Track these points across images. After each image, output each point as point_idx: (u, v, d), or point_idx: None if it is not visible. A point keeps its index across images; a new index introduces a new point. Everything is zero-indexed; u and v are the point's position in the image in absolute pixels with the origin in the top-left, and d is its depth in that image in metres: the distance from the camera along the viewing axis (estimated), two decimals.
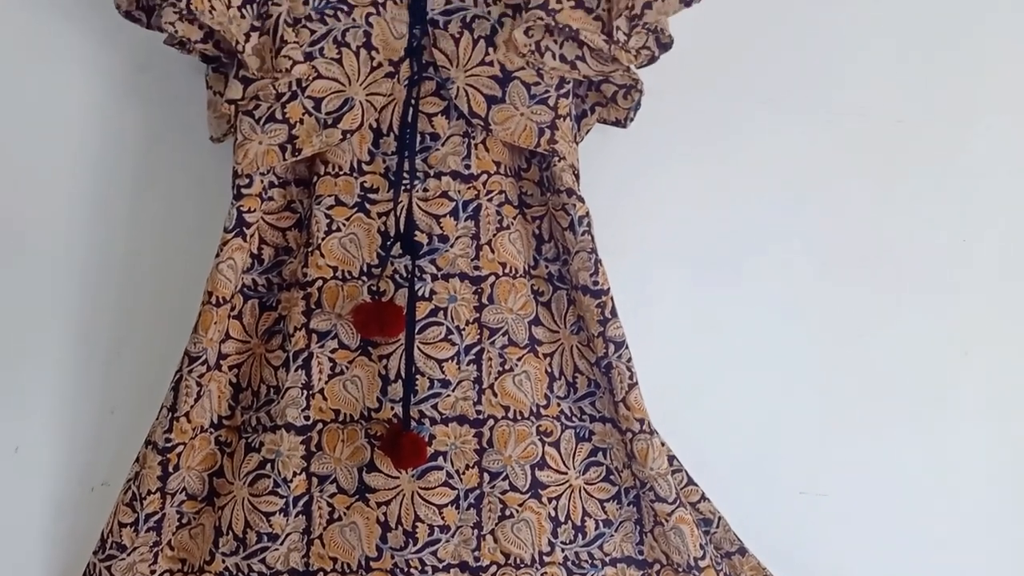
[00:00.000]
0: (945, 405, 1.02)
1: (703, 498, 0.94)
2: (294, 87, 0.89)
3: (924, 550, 1.01)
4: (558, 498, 0.90)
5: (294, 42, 0.89)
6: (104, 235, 0.98)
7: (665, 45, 0.92)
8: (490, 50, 0.90)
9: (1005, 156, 1.04)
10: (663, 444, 0.92)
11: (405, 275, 0.90)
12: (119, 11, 0.90)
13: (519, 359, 0.91)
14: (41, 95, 0.98)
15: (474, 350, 0.90)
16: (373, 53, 0.90)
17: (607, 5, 0.89)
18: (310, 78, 0.89)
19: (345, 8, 0.90)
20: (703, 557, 0.91)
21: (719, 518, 0.94)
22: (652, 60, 0.92)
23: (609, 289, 0.90)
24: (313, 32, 0.90)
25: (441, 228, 0.91)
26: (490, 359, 0.90)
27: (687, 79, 1.00)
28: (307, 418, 0.89)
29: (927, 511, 1.01)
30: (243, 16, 0.88)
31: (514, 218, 0.93)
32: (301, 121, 0.89)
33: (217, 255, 0.89)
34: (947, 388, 1.03)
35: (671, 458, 0.93)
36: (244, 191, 0.90)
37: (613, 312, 0.90)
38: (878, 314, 1.03)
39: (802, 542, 0.99)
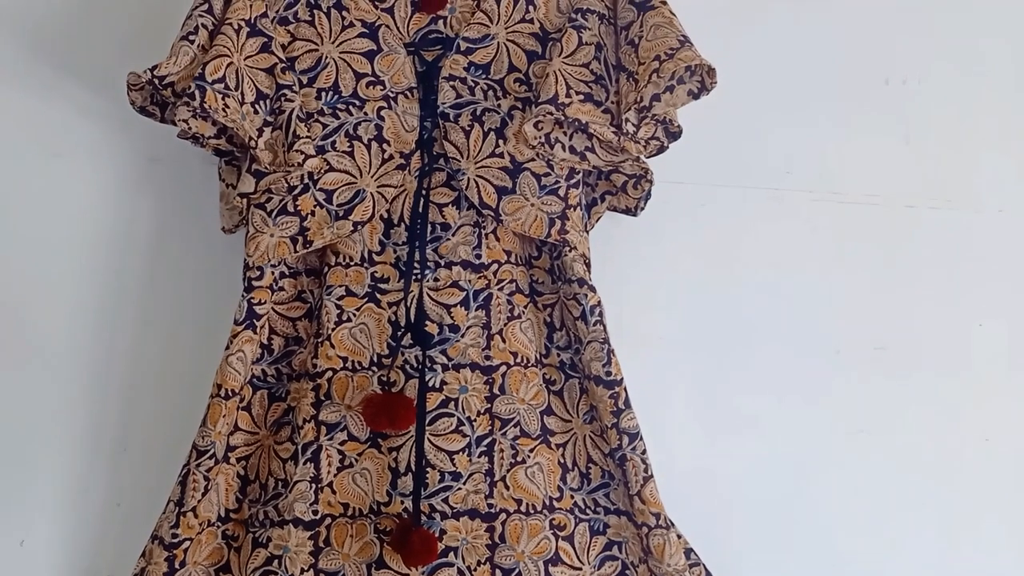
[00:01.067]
0: (965, 491, 1.00)
1: None
2: (306, 180, 0.90)
3: None
4: None
5: (306, 136, 0.90)
6: (113, 326, 0.98)
7: (674, 135, 0.92)
8: (500, 142, 0.91)
9: (1016, 239, 1.04)
10: (680, 537, 0.90)
11: (416, 365, 0.89)
12: (133, 107, 0.91)
13: (531, 450, 0.89)
14: (54, 185, 0.99)
15: (485, 441, 0.89)
16: (384, 146, 0.91)
17: (616, 98, 0.90)
18: (322, 171, 0.90)
19: (357, 103, 0.92)
20: None
21: None
22: (662, 150, 0.93)
23: (622, 379, 0.90)
24: (325, 126, 0.91)
25: (452, 318, 0.90)
26: (502, 451, 0.89)
27: (696, 167, 1.01)
28: (315, 512, 0.87)
29: None
30: (256, 112, 0.89)
31: (525, 307, 0.92)
32: (312, 213, 0.90)
33: (227, 347, 0.89)
34: (967, 474, 1.01)
35: (688, 551, 0.91)
36: (255, 283, 0.90)
37: (627, 403, 0.89)
38: (893, 399, 1.01)
39: None
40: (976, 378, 1.02)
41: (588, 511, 0.90)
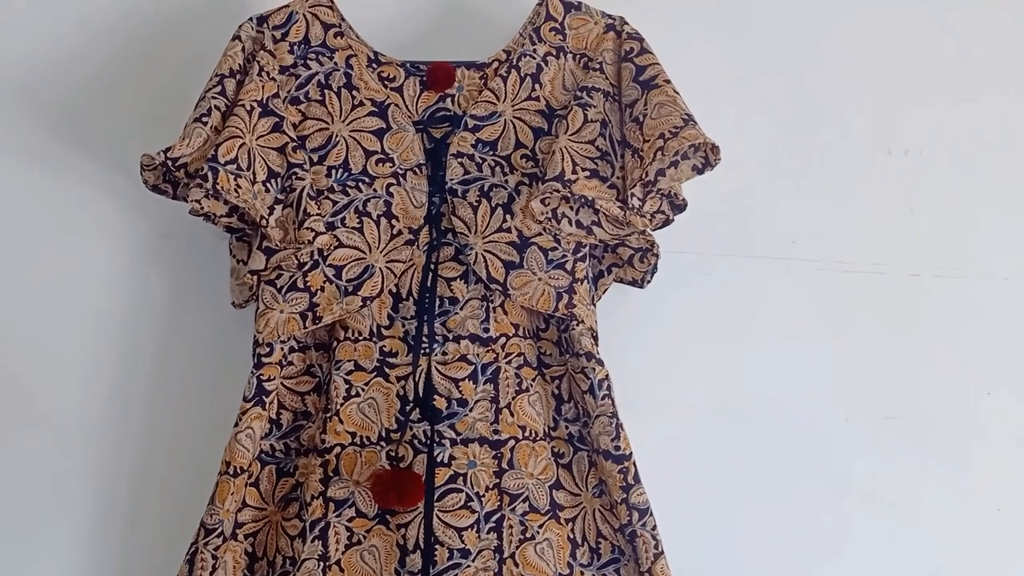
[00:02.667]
0: (979, 562, 0.99)
1: None
2: (316, 256, 0.91)
3: None
4: None
5: (316, 213, 0.91)
6: (124, 401, 0.98)
7: (680, 207, 0.93)
8: (507, 217, 0.92)
9: (1022, 307, 1.04)
10: None
11: (424, 440, 0.89)
12: (146, 185, 0.93)
13: (541, 526, 0.89)
14: (68, 260, 1.00)
15: (494, 517, 0.88)
16: (393, 221, 0.92)
17: (621, 173, 0.92)
18: (332, 247, 0.91)
19: (366, 180, 0.93)
20: None
21: None
22: (667, 223, 0.94)
23: (631, 454, 0.89)
24: (335, 203, 0.92)
25: (460, 392, 0.90)
26: (511, 527, 0.88)
27: (702, 237, 1.02)
28: None
29: None
30: (268, 190, 0.91)
31: (533, 380, 0.92)
32: (322, 289, 0.90)
33: (236, 424, 0.89)
34: (980, 545, 1.00)
35: None
36: (264, 359, 0.90)
37: (636, 478, 0.89)
38: (904, 468, 1.01)
39: None
40: (987, 447, 1.02)
41: None
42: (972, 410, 1.02)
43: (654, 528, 0.88)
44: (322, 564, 0.87)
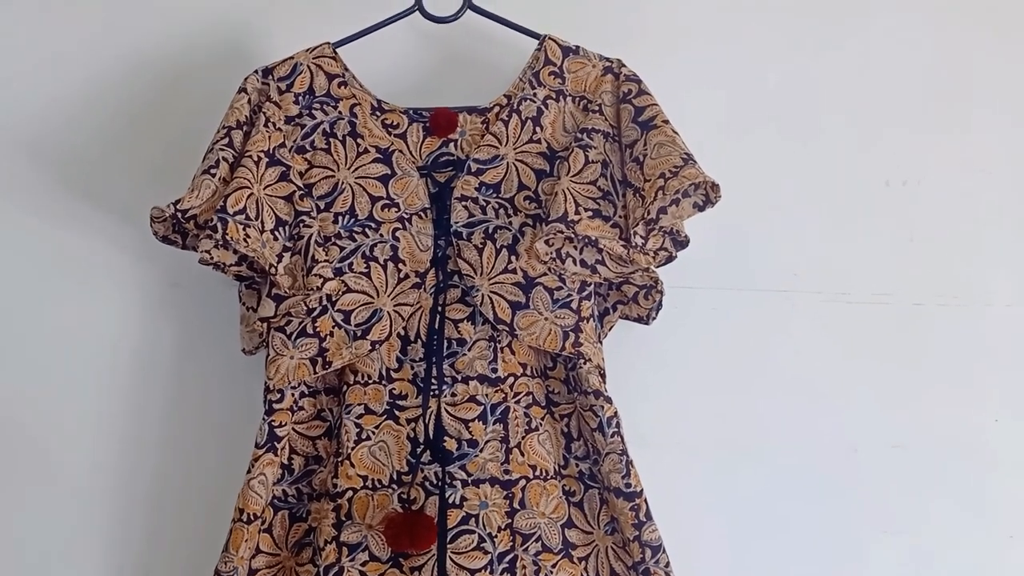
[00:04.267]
0: None
1: None
2: (324, 302, 0.92)
3: None
4: None
5: (324, 260, 0.92)
6: (136, 448, 0.99)
7: (682, 244, 0.95)
8: (513, 259, 0.93)
9: None
10: None
11: (435, 482, 0.89)
12: (156, 237, 0.94)
13: (554, 565, 0.89)
14: (80, 310, 1.02)
15: (507, 558, 0.88)
16: (400, 265, 0.94)
17: (624, 212, 0.93)
18: (340, 292, 0.92)
19: (373, 225, 0.94)
20: None
21: None
22: (670, 259, 0.95)
23: (642, 490, 0.90)
24: (342, 248, 0.93)
25: (470, 433, 0.91)
26: (524, 567, 0.88)
27: (706, 272, 1.03)
28: None
29: None
30: (276, 238, 0.92)
31: (542, 418, 0.93)
32: (331, 334, 0.91)
33: (248, 471, 0.90)
34: (994, 573, 1.00)
35: None
36: (275, 406, 0.91)
37: (648, 515, 0.89)
38: (914, 496, 1.01)
39: None
40: (996, 474, 1.02)
41: None
42: (980, 437, 1.02)
43: (667, 565, 0.88)
44: None
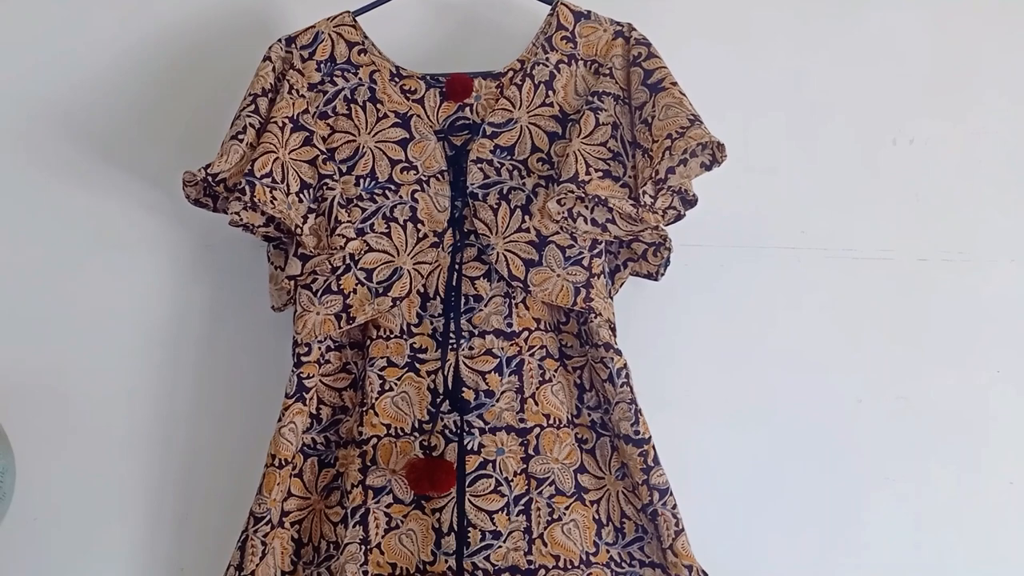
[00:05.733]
0: (992, 535, 1.03)
1: None
2: (348, 261, 0.96)
3: None
4: None
5: (347, 221, 0.97)
6: (172, 402, 1.05)
7: (690, 203, 0.98)
8: (526, 218, 0.97)
9: None
10: None
11: (455, 430, 0.94)
12: (188, 200, 0.99)
13: (567, 508, 0.94)
14: (115, 275, 1.07)
15: (523, 500, 0.94)
16: (419, 226, 0.98)
17: (633, 172, 0.97)
18: (362, 252, 0.97)
19: (392, 187, 0.99)
20: None
21: None
22: (679, 218, 0.99)
23: (650, 437, 0.94)
24: (364, 210, 0.98)
25: (487, 384, 0.96)
26: (539, 509, 0.94)
27: (714, 230, 1.06)
28: (365, 573, 0.92)
29: None
30: (301, 201, 0.97)
31: (555, 371, 0.97)
32: (355, 291, 0.96)
33: (279, 419, 0.95)
34: (994, 519, 1.03)
35: None
36: (303, 358, 0.96)
37: (656, 460, 0.94)
38: (917, 450, 1.05)
39: None
40: (996, 423, 1.05)
41: (624, 564, 0.94)
42: (981, 388, 1.05)
43: (674, 507, 0.93)
44: (364, 547, 0.93)
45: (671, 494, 0.93)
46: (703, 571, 0.92)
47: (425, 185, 0.99)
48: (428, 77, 1.01)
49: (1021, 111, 1.10)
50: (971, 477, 1.04)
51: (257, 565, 0.93)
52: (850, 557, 1.02)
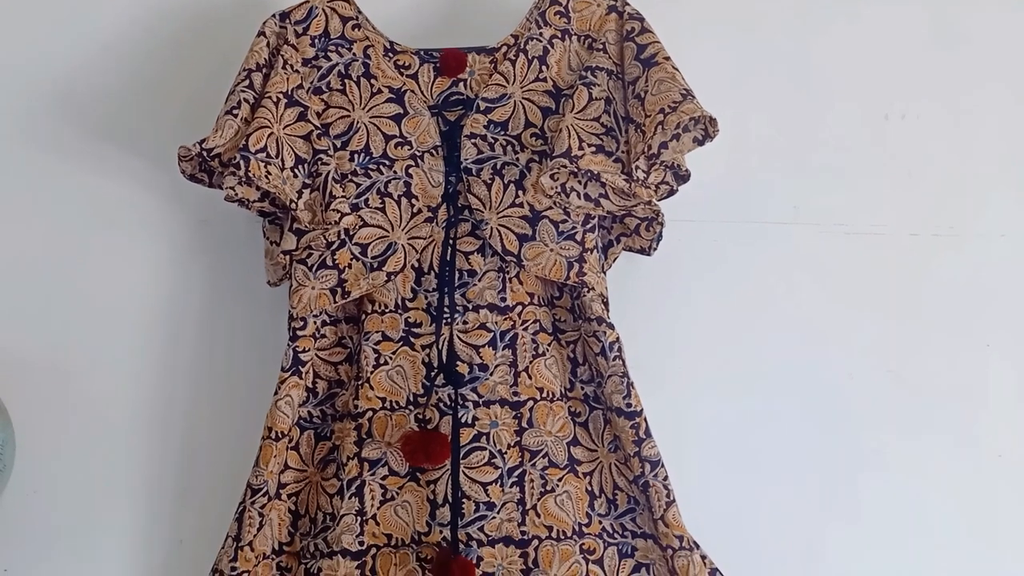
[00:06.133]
0: (981, 507, 1.04)
1: None
2: (342, 236, 0.97)
3: None
4: None
5: (342, 196, 0.97)
6: (171, 377, 1.05)
7: (683, 178, 0.99)
8: (520, 193, 0.98)
9: (1018, 262, 1.08)
10: (704, 559, 0.94)
11: (449, 403, 0.95)
12: (184, 175, 1.00)
13: (560, 479, 0.95)
14: (112, 252, 1.07)
15: (516, 472, 0.95)
16: (413, 201, 0.99)
17: (626, 147, 0.97)
18: (357, 227, 0.97)
19: (387, 162, 0.99)
20: None
21: None
22: (671, 193, 0.99)
23: (642, 410, 0.95)
24: (359, 185, 0.99)
25: (481, 358, 0.97)
26: (532, 481, 0.95)
27: (707, 206, 1.07)
28: (361, 543, 0.94)
29: None
30: (295, 176, 0.97)
31: (549, 344, 0.98)
32: (349, 266, 0.97)
33: (276, 393, 0.96)
34: (983, 491, 1.04)
35: (714, 571, 0.95)
36: (299, 333, 0.97)
37: (647, 432, 0.95)
38: (908, 424, 1.05)
39: None
40: (986, 397, 1.06)
41: (616, 535, 0.96)
42: (971, 362, 1.06)
43: (666, 479, 0.94)
44: (360, 518, 0.94)
45: (662, 466, 0.94)
46: (694, 541, 0.93)
47: (419, 160, 0.99)
48: (422, 52, 1.02)
49: (1013, 88, 1.10)
50: (960, 450, 1.05)
51: (255, 536, 0.94)
52: (842, 530, 1.03)
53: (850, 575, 1.02)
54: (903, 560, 1.02)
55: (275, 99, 0.97)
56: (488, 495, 0.93)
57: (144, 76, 1.10)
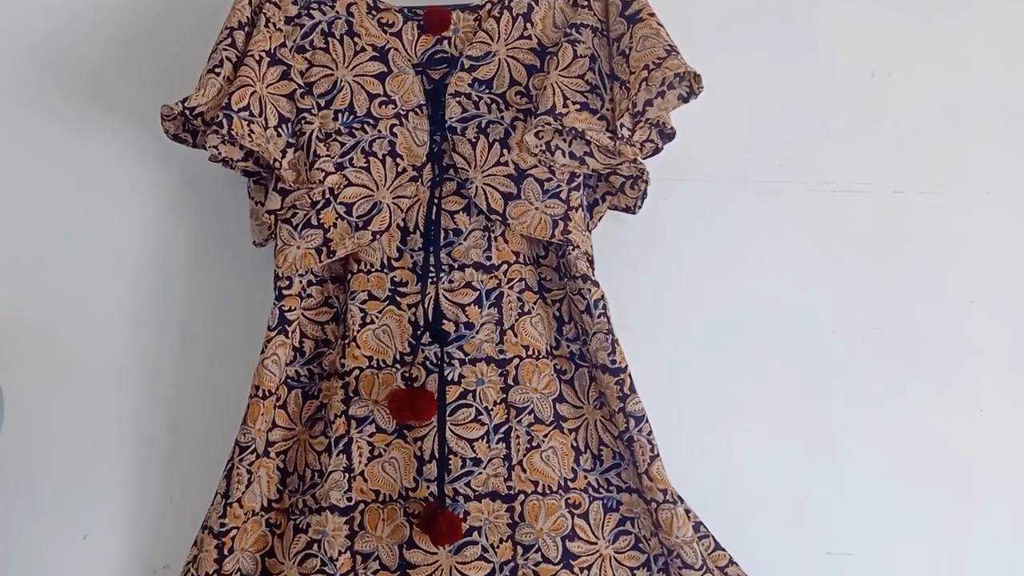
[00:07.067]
0: (963, 461, 1.05)
1: (731, 562, 0.97)
2: (327, 195, 0.97)
3: None
4: (589, 568, 0.95)
5: (326, 155, 0.97)
6: (158, 338, 1.06)
7: (668, 136, 0.99)
8: (504, 152, 0.98)
9: (1002, 220, 1.09)
10: (688, 512, 0.96)
11: (435, 361, 0.96)
12: (167, 135, 0.99)
13: (546, 436, 0.96)
14: (98, 213, 1.07)
15: (502, 429, 0.96)
16: (398, 160, 0.98)
17: (611, 105, 0.97)
18: (341, 186, 0.97)
19: (371, 121, 0.99)
20: None
21: None
22: (657, 151, 0.99)
23: (627, 367, 0.96)
24: (343, 144, 0.98)
25: (467, 316, 0.97)
26: (518, 437, 0.96)
27: (692, 164, 1.07)
28: (349, 499, 0.95)
29: (954, 567, 1.04)
30: (279, 135, 0.97)
31: (535, 303, 0.99)
32: (335, 225, 0.97)
33: (262, 351, 0.96)
34: (965, 445, 1.06)
35: (698, 525, 0.97)
36: (285, 292, 0.97)
37: (632, 388, 0.96)
38: (891, 379, 1.06)
39: None
40: (968, 352, 1.07)
41: (601, 490, 0.97)
42: (954, 318, 1.07)
43: (650, 433, 0.95)
44: (347, 475, 0.95)
45: (647, 421, 0.95)
46: (678, 495, 0.95)
47: (404, 119, 0.99)
48: (406, 10, 1.01)
49: (1000, 44, 1.10)
50: (943, 405, 1.06)
51: (243, 493, 0.95)
52: (825, 483, 1.04)
53: (832, 527, 1.03)
54: (885, 513, 1.03)
55: (258, 58, 0.97)
56: (475, 451, 0.94)
57: (127, 35, 1.09)
